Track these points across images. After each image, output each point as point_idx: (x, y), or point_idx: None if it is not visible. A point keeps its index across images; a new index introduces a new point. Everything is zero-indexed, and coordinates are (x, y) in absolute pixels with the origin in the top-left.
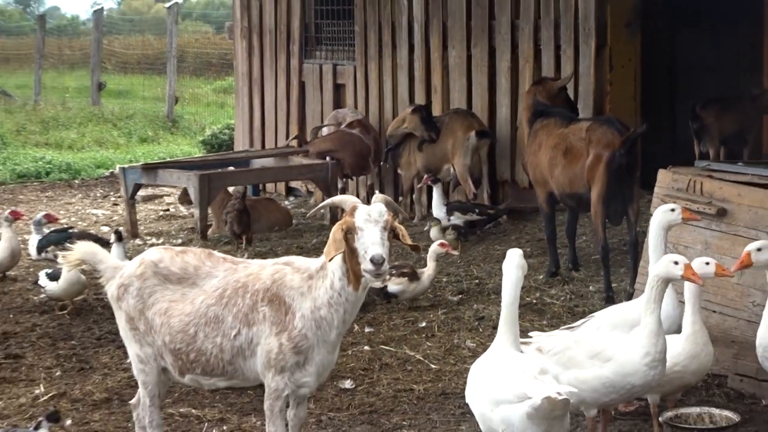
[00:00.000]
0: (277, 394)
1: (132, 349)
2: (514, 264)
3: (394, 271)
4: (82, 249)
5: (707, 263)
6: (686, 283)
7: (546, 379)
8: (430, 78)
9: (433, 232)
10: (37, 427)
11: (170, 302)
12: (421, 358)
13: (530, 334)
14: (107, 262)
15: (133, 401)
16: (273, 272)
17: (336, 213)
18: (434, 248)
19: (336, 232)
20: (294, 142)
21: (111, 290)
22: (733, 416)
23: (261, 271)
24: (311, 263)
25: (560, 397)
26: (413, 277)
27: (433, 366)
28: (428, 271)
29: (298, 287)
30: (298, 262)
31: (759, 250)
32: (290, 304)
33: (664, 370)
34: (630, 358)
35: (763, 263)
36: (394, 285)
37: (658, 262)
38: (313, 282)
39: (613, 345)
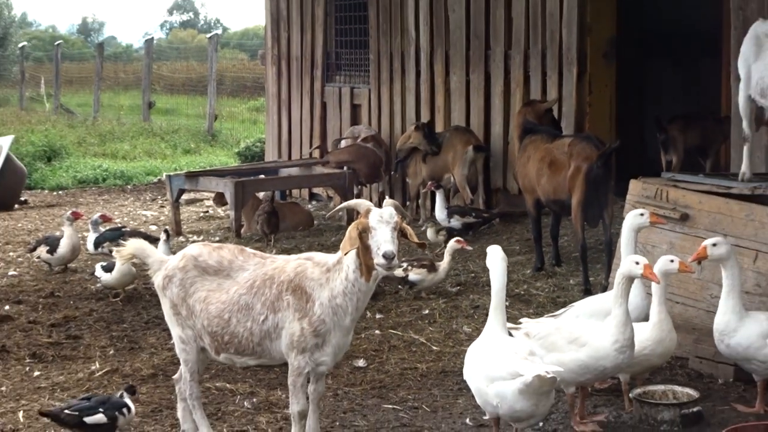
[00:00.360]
0: (299, 371)
1: (175, 331)
2: (499, 257)
3: (415, 263)
4: (133, 245)
5: (672, 260)
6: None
7: (535, 359)
8: (434, 100)
9: (429, 232)
10: (120, 397)
11: (208, 291)
12: (425, 341)
13: (520, 320)
14: (154, 256)
15: (175, 376)
16: (296, 266)
17: (352, 215)
18: (451, 244)
19: (352, 230)
20: (316, 152)
21: (157, 281)
22: (693, 393)
23: (286, 264)
24: (329, 258)
25: (549, 375)
26: (432, 268)
27: (434, 348)
28: (444, 264)
29: (318, 279)
30: (317, 257)
31: (714, 245)
32: (310, 294)
33: (632, 354)
34: (602, 344)
35: (716, 257)
36: (414, 275)
37: (622, 263)
38: (330, 274)
39: (588, 332)
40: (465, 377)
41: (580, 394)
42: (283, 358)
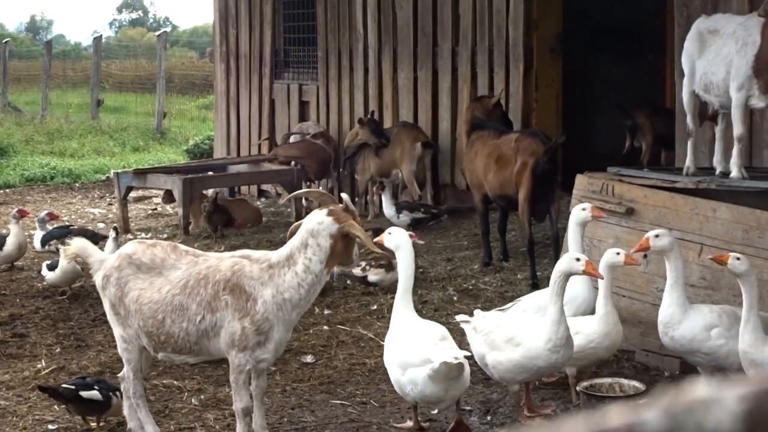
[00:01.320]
0: (240, 369)
1: (116, 330)
2: (405, 238)
3: (373, 262)
4: (76, 244)
5: (618, 253)
6: (599, 271)
7: (446, 345)
8: (382, 96)
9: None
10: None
11: (140, 290)
12: (373, 336)
13: (474, 312)
14: (95, 255)
15: (120, 374)
16: (232, 264)
17: (301, 211)
18: None
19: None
20: (265, 145)
21: (97, 281)
22: (639, 385)
23: (220, 263)
24: (270, 255)
25: (455, 362)
26: (389, 267)
27: (382, 343)
28: None
29: (258, 277)
30: (255, 255)
31: (657, 236)
32: (251, 293)
33: (567, 353)
34: (535, 343)
35: (659, 248)
36: (373, 275)
37: (560, 260)
38: (274, 270)
39: (523, 332)
40: (386, 365)
41: (525, 390)
42: (222, 355)
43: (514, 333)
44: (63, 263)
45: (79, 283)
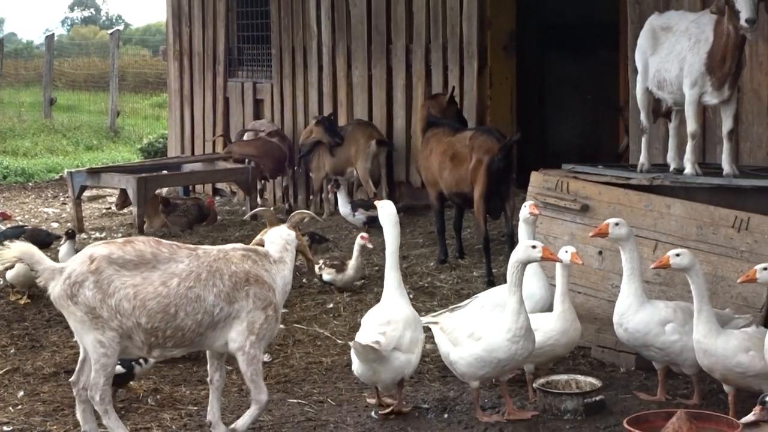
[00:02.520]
0: (256, 359)
1: (92, 336)
2: (391, 222)
3: (327, 261)
4: (19, 248)
5: (566, 251)
6: (557, 268)
7: (381, 328)
8: (336, 94)
9: None
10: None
11: (134, 287)
12: (329, 335)
13: (443, 313)
14: (45, 263)
15: (72, 379)
16: (246, 257)
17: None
18: (357, 241)
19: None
20: (219, 140)
21: (56, 291)
22: (595, 382)
23: (230, 255)
24: (265, 251)
25: (361, 345)
26: (341, 268)
27: (339, 342)
28: (353, 262)
29: (270, 270)
30: (260, 250)
31: (617, 224)
32: (270, 284)
33: (527, 345)
34: (495, 335)
35: (616, 236)
36: (327, 274)
37: (516, 248)
38: (278, 267)
39: (483, 325)
40: None
41: (502, 389)
42: (216, 346)
43: (474, 328)
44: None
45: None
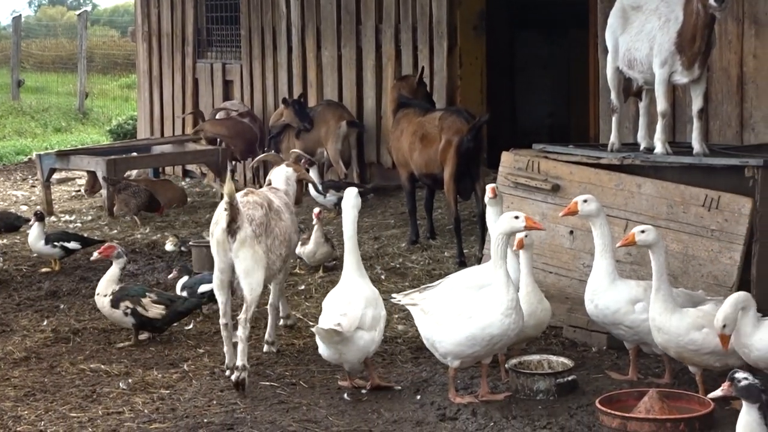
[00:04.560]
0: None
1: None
2: (350, 204)
3: None
4: None
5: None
6: (520, 251)
7: (342, 309)
8: (306, 75)
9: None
10: None
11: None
12: (301, 317)
13: (413, 293)
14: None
15: (243, 317)
16: (271, 191)
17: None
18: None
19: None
20: (189, 118)
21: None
22: (567, 362)
23: (267, 193)
24: (275, 184)
25: (323, 329)
26: (304, 241)
27: (311, 323)
28: (312, 237)
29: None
30: (273, 186)
31: (585, 201)
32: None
33: (519, 319)
34: (486, 310)
35: (586, 213)
36: None
37: (499, 220)
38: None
39: (472, 302)
40: None
41: (482, 370)
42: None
43: (464, 304)
44: None
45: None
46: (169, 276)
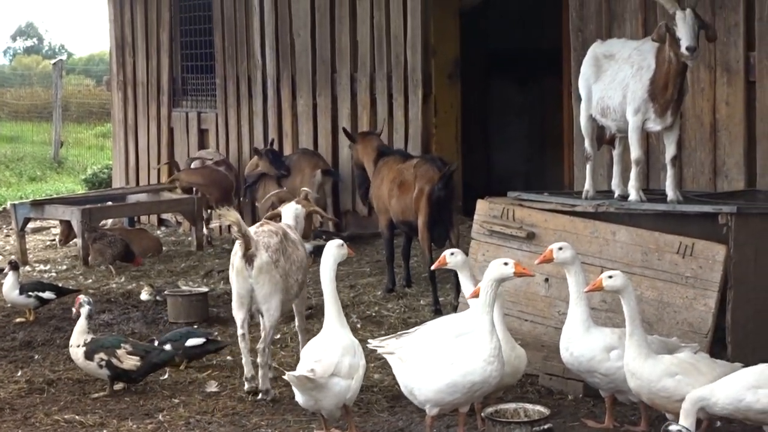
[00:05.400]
0: None
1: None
2: (329, 253)
3: None
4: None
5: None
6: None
7: (318, 356)
8: (281, 123)
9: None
10: None
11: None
12: (277, 366)
13: (389, 339)
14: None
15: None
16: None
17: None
18: None
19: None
20: (164, 168)
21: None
22: (544, 410)
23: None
24: (285, 220)
25: (294, 376)
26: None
27: (286, 371)
28: None
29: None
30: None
31: (560, 249)
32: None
33: (501, 367)
34: (468, 357)
35: (561, 260)
36: None
37: (490, 267)
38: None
39: (454, 348)
40: None
41: (459, 419)
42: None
43: (444, 352)
44: None
45: None
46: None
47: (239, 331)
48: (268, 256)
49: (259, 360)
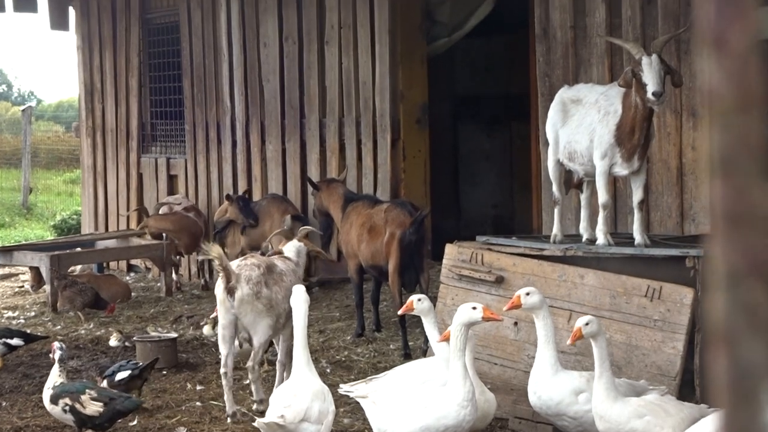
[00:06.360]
0: None
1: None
2: (301, 299)
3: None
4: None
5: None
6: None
7: (287, 402)
8: (251, 169)
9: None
10: None
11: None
12: (246, 411)
13: (359, 383)
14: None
15: (251, 364)
16: (283, 260)
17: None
18: None
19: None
20: (134, 215)
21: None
22: None
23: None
24: (287, 255)
25: (264, 423)
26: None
27: (256, 417)
28: None
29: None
30: (286, 256)
31: (528, 294)
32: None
33: (474, 411)
34: (442, 401)
35: (530, 305)
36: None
37: (458, 311)
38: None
39: (427, 393)
40: None
41: None
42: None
43: (416, 397)
44: None
45: None
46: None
47: (222, 370)
48: (249, 288)
49: (250, 376)
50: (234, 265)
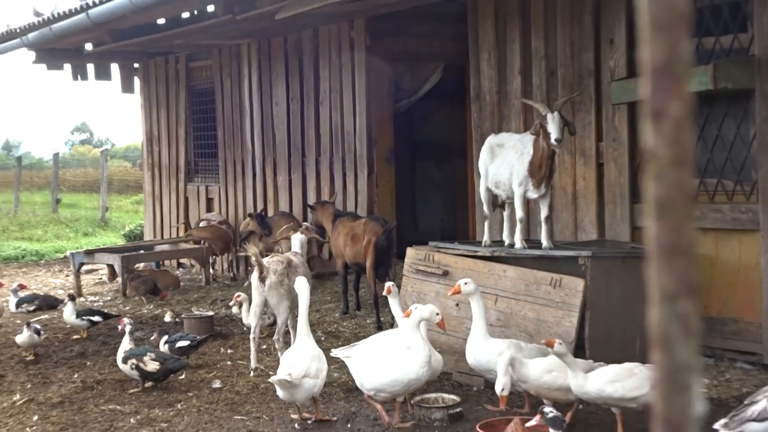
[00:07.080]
0: None
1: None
2: (305, 287)
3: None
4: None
5: (438, 314)
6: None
7: (293, 362)
8: (266, 193)
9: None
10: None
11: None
12: (263, 368)
13: (345, 348)
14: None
15: (255, 335)
16: (293, 255)
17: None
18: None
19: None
20: (182, 226)
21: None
22: (456, 398)
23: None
24: (293, 248)
25: (277, 379)
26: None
27: (271, 373)
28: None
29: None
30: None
31: (465, 283)
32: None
33: (429, 369)
34: (406, 361)
35: (467, 292)
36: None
37: (424, 309)
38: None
39: (395, 354)
40: None
41: (396, 406)
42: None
43: (389, 357)
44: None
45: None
46: (151, 338)
47: (251, 335)
48: (275, 278)
49: (276, 346)
50: (265, 260)
